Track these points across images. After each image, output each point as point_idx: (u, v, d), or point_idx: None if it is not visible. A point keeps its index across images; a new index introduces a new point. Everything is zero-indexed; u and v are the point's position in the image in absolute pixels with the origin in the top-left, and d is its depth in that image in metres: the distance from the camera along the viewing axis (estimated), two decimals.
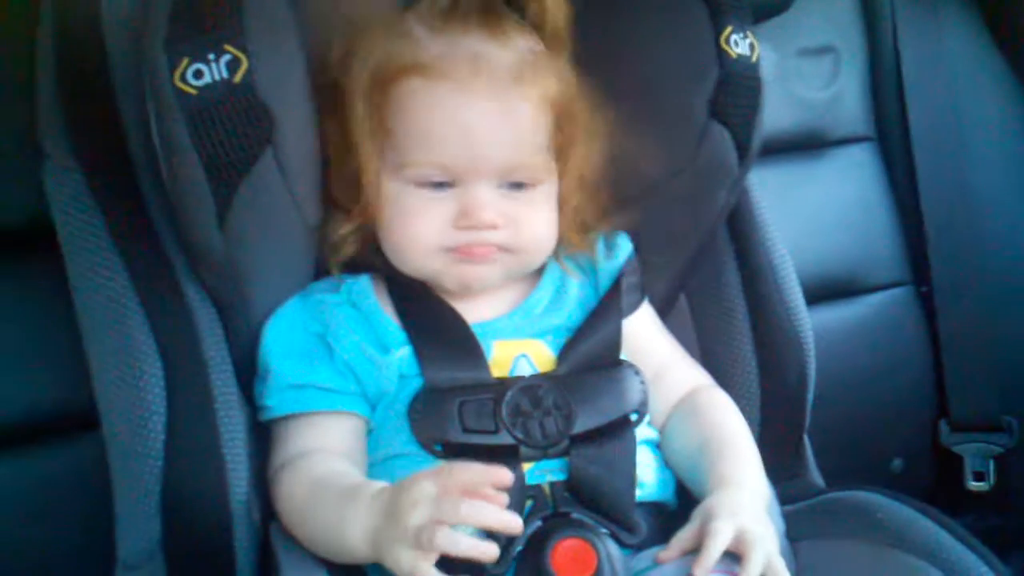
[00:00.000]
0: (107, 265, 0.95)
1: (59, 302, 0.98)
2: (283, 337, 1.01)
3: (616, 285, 1.08)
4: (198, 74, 0.89)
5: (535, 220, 1.02)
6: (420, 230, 0.99)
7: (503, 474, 0.83)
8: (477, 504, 0.81)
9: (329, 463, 0.95)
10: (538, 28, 1.04)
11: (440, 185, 0.99)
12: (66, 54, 0.97)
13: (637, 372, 1.03)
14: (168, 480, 0.93)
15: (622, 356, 1.04)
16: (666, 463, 1.04)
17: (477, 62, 0.97)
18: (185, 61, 0.89)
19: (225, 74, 0.90)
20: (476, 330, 1.01)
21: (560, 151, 1.03)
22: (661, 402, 1.06)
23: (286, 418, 1.00)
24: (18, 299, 1.09)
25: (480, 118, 0.97)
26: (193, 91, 0.89)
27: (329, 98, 1.02)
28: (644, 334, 1.10)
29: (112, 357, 0.93)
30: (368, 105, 0.99)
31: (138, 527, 0.93)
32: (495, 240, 1.00)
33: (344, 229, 1.03)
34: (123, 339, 0.94)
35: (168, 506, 0.93)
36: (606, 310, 1.06)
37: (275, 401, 1.00)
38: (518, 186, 1.00)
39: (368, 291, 1.04)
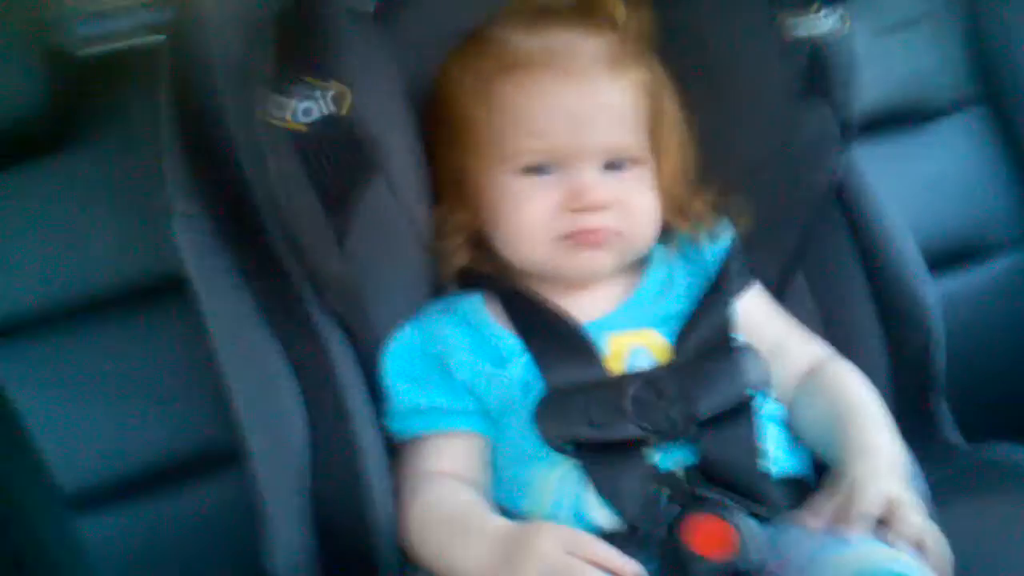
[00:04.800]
0: (239, 301, 1.00)
1: (191, 345, 1.03)
2: (401, 361, 1.04)
3: (724, 269, 1.08)
4: (307, 111, 0.95)
5: (639, 200, 1.05)
6: (532, 216, 1.02)
7: (633, 568, 0.86)
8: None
9: (451, 489, 0.99)
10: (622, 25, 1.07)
11: (544, 170, 1.02)
12: (185, 107, 1.01)
13: (755, 353, 1.03)
14: (314, 499, 0.97)
15: (738, 338, 1.05)
16: (798, 438, 1.03)
17: (574, 51, 1.02)
18: (294, 100, 0.94)
19: (332, 108, 0.95)
20: (590, 328, 1.03)
21: (654, 137, 1.06)
22: (783, 379, 1.05)
23: (409, 441, 1.03)
24: (152, 346, 1.14)
25: (581, 101, 1.01)
26: (304, 128, 0.95)
27: (429, 111, 1.08)
28: (757, 315, 1.10)
29: (252, 386, 0.98)
30: (471, 106, 1.03)
31: (290, 548, 0.96)
32: (606, 222, 1.02)
33: (454, 237, 1.07)
34: (261, 369, 0.99)
35: (318, 524, 0.97)
36: (717, 295, 1.06)
37: (398, 425, 1.04)
38: (618, 167, 1.03)
39: (480, 307, 1.06)
